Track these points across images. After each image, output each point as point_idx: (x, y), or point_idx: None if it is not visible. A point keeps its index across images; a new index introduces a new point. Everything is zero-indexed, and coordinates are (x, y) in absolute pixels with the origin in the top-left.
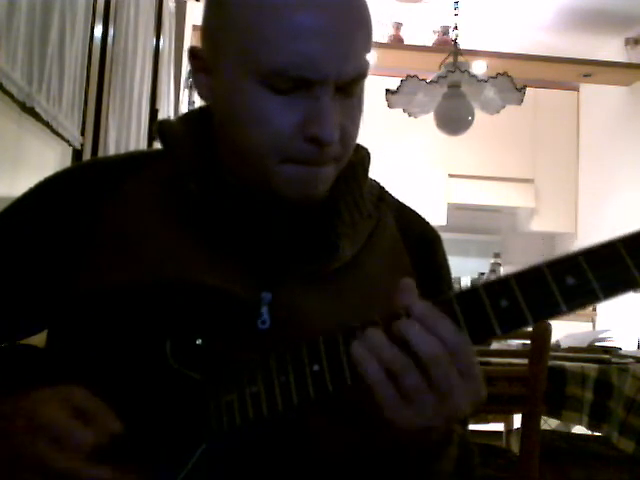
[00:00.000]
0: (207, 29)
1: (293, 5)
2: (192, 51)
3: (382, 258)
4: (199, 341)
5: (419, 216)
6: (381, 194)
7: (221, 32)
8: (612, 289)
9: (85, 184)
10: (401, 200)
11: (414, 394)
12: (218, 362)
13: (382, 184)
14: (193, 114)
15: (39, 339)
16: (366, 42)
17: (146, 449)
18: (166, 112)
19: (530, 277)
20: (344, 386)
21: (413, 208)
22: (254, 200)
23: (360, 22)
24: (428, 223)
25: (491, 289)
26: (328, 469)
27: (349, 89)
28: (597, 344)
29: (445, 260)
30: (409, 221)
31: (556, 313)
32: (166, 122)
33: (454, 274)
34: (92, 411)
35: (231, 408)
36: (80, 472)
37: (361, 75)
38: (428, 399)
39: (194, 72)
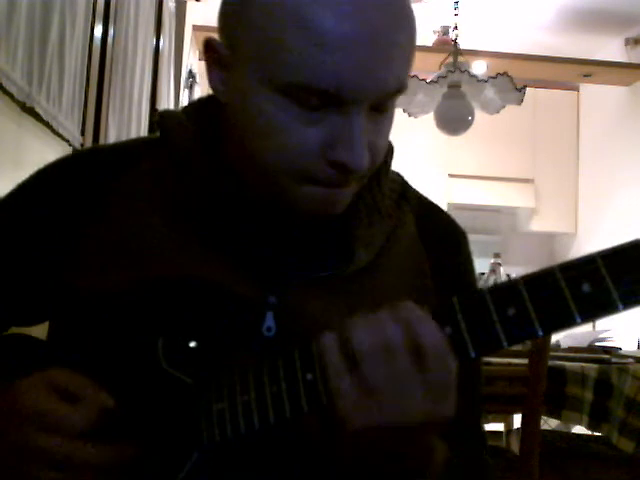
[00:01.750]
0: (225, 22)
1: (324, 12)
2: (208, 43)
3: (399, 262)
4: (193, 343)
5: (443, 214)
6: (403, 190)
7: (240, 30)
8: (634, 298)
9: (84, 175)
10: (425, 197)
11: (371, 383)
12: (213, 366)
13: (405, 178)
14: (197, 106)
15: (40, 335)
16: (410, 51)
17: (137, 455)
18: None
19: (541, 283)
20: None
21: (439, 205)
22: (262, 200)
23: (404, 28)
24: (453, 221)
25: (498, 295)
26: (323, 476)
27: (384, 105)
28: (597, 344)
29: (470, 263)
30: (432, 220)
31: (569, 324)
32: (167, 113)
33: None
34: (78, 389)
35: (222, 417)
36: (77, 454)
37: (401, 90)
38: (383, 392)
39: (208, 64)
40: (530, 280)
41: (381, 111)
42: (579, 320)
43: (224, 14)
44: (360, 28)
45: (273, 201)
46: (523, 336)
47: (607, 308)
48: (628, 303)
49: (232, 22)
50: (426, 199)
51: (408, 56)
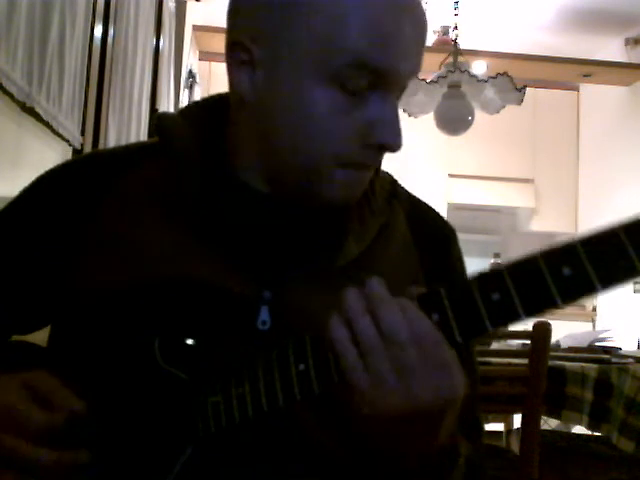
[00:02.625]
0: (255, 18)
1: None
2: (233, 44)
3: (390, 257)
4: (188, 340)
5: (433, 212)
6: (394, 189)
7: (285, 23)
8: (611, 279)
9: (82, 181)
10: (415, 195)
11: (381, 373)
12: (209, 362)
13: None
14: (195, 109)
15: (41, 338)
16: (424, 45)
17: (133, 450)
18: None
19: (524, 268)
20: (331, 385)
21: (428, 204)
22: (259, 197)
23: (426, 19)
24: (442, 220)
25: (482, 281)
26: (318, 470)
27: (404, 88)
28: (597, 344)
29: (459, 259)
30: (422, 218)
31: (550, 306)
32: (165, 116)
33: None
34: (49, 392)
35: (217, 409)
36: (24, 452)
37: (417, 74)
38: (392, 379)
39: (234, 66)
40: (513, 266)
41: (400, 94)
42: (560, 302)
43: (254, 11)
44: (406, 17)
45: (300, 189)
46: (507, 320)
47: (587, 290)
48: (606, 284)
49: (268, 20)
50: (416, 198)
51: (424, 47)
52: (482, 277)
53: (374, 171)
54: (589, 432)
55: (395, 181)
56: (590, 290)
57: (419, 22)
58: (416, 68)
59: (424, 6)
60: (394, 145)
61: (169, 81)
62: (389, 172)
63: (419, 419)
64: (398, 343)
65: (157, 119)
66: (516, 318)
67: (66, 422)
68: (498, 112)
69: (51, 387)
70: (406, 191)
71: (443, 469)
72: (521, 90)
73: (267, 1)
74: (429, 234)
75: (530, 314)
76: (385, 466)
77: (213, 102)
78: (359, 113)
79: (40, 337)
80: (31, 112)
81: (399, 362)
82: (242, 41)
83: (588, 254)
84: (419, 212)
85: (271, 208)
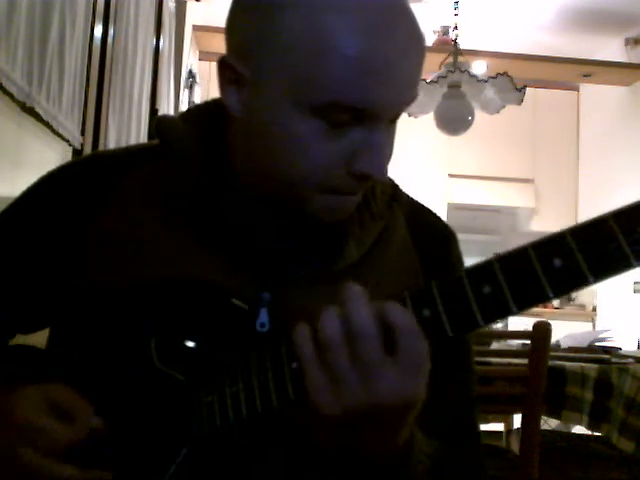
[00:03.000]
0: (243, 39)
1: (354, 32)
2: (223, 62)
3: (390, 260)
4: (186, 341)
5: (433, 216)
6: (394, 193)
7: (264, 48)
8: (603, 270)
9: (83, 182)
10: (415, 199)
11: (339, 370)
12: (206, 364)
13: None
14: (195, 112)
15: (40, 339)
16: (422, 67)
17: (130, 451)
18: (166, 112)
19: (514, 260)
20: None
21: (428, 207)
22: (258, 200)
23: (420, 49)
24: (442, 223)
25: (473, 274)
26: (314, 469)
27: (399, 116)
28: (597, 344)
29: (459, 261)
30: (422, 222)
31: (542, 299)
32: (165, 119)
33: None
34: (70, 408)
35: (211, 409)
36: (48, 469)
37: (413, 101)
38: (352, 377)
39: (223, 83)
40: (504, 258)
41: (393, 121)
42: (551, 295)
43: (242, 32)
44: (389, 49)
45: (283, 206)
46: (498, 313)
47: (578, 281)
48: (598, 275)
49: (255, 43)
50: (416, 201)
51: (421, 70)
52: (473, 270)
53: (363, 194)
54: (589, 432)
55: (396, 185)
56: (582, 281)
57: (410, 50)
58: (407, 98)
59: (424, 6)
60: (376, 175)
61: (169, 81)
62: (389, 175)
63: (377, 422)
64: (361, 340)
65: (157, 121)
66: (508, 311)
67: (87, 438)
68: (498, 112)
69: (70, 400)
70: (406, 195)
71: (398, 467)
72: (521, 90)
73: (252, 28)
74: (429, 237)
75: (522, 307)
76: (338, 466)
77: (214, 105)
78: (342, 142)
79: (39, 339)
80: (31, 112)
81: (361, 360)
82: (231, 60)
83: (578, 244)
84: (419, 215)
85: (270, 210)
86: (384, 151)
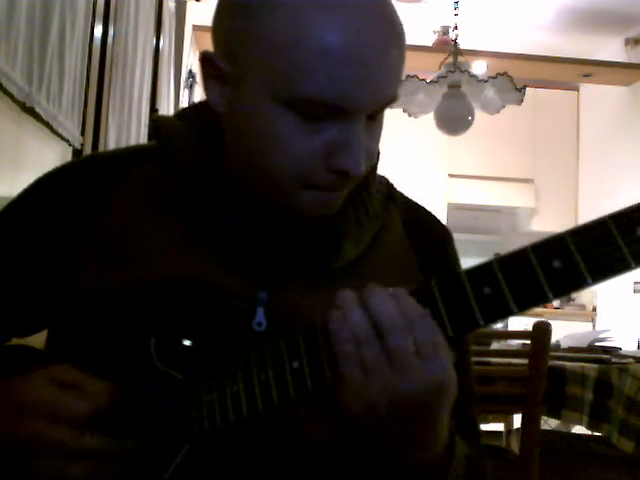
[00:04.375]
0: (225, 36)
1: (331, 28)
2: (204, 56)
3: (387, 260)
4: (184, 341)
5: (429, 215)
6: (390, 192)
7: (244, 44)
8: (602, 271)
9: (81, 182)
10: (410, 198)
11: (372, 364)
12: (205, 363)
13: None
14: (191, 111)
15: (39, 340)
16: (401, 65)
17: (130, 450)
18: (166, 112)
19: (514, 262)
20: (324, 383)
21: (424, 206)
22: (256, 201)
23: (399, 46)
24: (438, 222)
25: (473, 275)
26: (314, 468)
27: (378, 113)
28: (597, 344)
29: (456, 260)
30: (418, 221)
31: (541, 300)
32: (162, 119)
33: None
34: (77, 380)
35: (212, 408)
36: (75, 442)
37: (393, 99)
38: (384, 369)
39: (205, 78)
40: (504, 260)
41: (374, 118)
42: (551, 296)
43: (224, 29)
44: (366, 45)
45: (270, 203)
46: (499, 314)
47: (577, 283)
48: (597, 277)
49: (235, 38)
50: (411, 200)
51: (401, 68)
52: (473, 271)
53: (351, 189)
54: (589, 432)
55: (391, 184)
56: (581, 283)
57: (388, 48)
58: (386, 96)
59: (424, 6)
60: (351, 172)
61: (169, 81)
62: (385, 175)
63: (412, 413)
64: (392, 332)
65: (153, 121)
66: (508, 312)
67: (108, 406)
68: (498, 112)
69: (79, 377)
70: (402, 193)
71: (440, 469)
72: (521, 90)
73: (233, 24)
74: (426, 236)
75: (522, 308)
76: (379, 467)
77: (209, 104)
78: (320, 137)
79: (38, 340)
80: (31, 112)
81: (392, 353)
82: (213, 55)
83: (577, 245)
84: (415, 214)
85: (266, 209)
86: (361, 147)
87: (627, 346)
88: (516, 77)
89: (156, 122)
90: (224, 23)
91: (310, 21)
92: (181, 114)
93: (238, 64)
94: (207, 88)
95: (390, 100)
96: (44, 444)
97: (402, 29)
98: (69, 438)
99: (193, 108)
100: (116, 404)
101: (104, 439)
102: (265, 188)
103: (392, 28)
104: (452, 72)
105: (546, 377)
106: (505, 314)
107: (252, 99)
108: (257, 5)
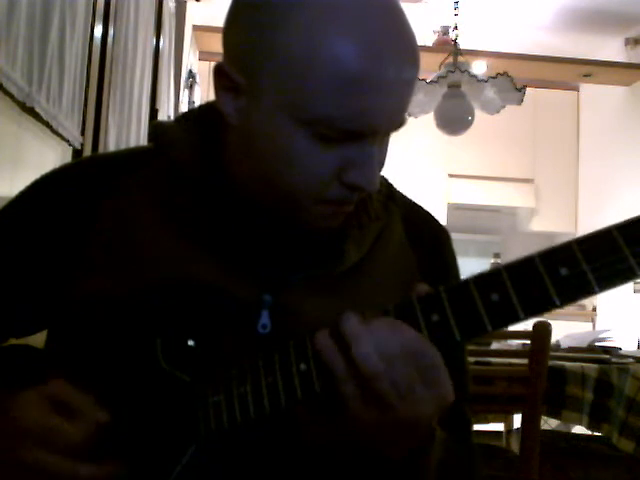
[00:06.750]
0: (239, 48)
1: (350, 51)
2: (219, 69)
3: (388, 261)
4: (191, 342)
5: (428, 215)
6: (390, 192)
7: (261, 62)
8: (608, 280)
9: (82, 184)
10: (410, 198)
11: (383, 395)
12: (211, 364)
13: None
14: (191, 116)
15: (39, 340)
16: (414, 87)
17: (136, 451)
18: (166, 112)
19: (522, 269)
20: (331, 386)
21: (422, 206)
22: (259, 206)
23: (416, 67)
24: (437, 222)
25: (481, 281)
26: (321, 468)
27: (388, 133)
28: (597, 344)
29: (454, 260)
30: (417, 221)
31: (549, 307)
32: (161, 125)
33: None
34: (76, 404)
35: (219, 409)
36: (70, 470)
37: (403, 124)
38: (393, 397)
39: (219, 89)
40: (512, 267)
41: (387, 134)
42: (558, 303)
43: (238, 41)
44: (385, 70)
45: (278, 212)
46: (506, 320)
47: (584, 290)
48: (603, 284)
49: (252, 53)
50: (410, 200)
51: (413, 91)
52: (481, 278)
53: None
54: (589, 432)
55: (390, 184)
56: (588, 290)
57: (405, 74)
58: (400, 120)
59: (424, 6)
60: (368, 187)
61: (169, 81)
62: (385, 175)
63: (412, 427)
64: (396, 364)
65: (153, 128)
66: (515, 318)
67: (96, 434)
68: (498, 112)
69: (72, 397)
70: (401, 193)
71: (423, 451)
72: (521, 90)
73: (250, 40)
74: (425, 236)
75: (529, 314)
76: (367, 460)
77: (210, 109)
78: (335, 153)
79: (38, 340)
80: (31, 112)
81: (400, 381)
82: (227, 67)
83: (584, 254)
84: (414, 214)
85: (269, 214)
86: (375, 164)
87: (627, 346)
88: (516, 77)
89: (155, 128)
90: (239, 36)
91: (329, 46)
92: (180, 119)
93: (254, 79)
94: (220, 100)
95: (405, 119)
96: (38, 473)
97: (417, 47)
98: (64, 469)
99: (192, 113)
100: (110, 426)
101: (99, 468)
102: (276, 200)
103: (411, 51)
104: (452, 72)
105: (546, 377)
106: (513, 320)
107: (268, 115)
108: (276, 22)
